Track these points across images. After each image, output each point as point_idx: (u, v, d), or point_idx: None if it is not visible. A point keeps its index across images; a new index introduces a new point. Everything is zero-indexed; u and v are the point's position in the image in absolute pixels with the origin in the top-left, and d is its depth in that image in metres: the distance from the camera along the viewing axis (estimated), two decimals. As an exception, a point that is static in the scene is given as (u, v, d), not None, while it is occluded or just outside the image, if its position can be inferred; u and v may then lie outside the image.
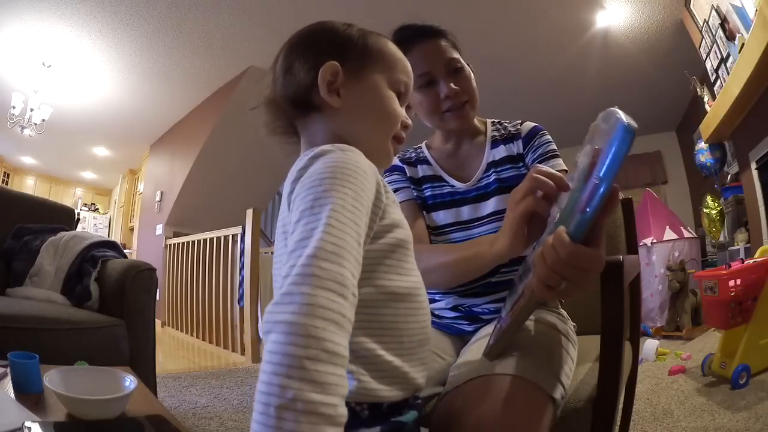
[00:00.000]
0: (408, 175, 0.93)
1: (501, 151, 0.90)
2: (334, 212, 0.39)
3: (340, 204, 0.40)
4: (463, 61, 0.86)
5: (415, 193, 0.92)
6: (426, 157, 0.95)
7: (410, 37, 0.83)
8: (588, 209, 0.42)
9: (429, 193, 0.91)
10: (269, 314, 0.34)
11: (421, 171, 0.93)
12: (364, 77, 0.54)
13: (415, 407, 0.50)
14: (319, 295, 0.34)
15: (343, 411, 0.32)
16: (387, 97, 0.55)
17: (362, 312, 0.43)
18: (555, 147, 0.88)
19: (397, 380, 0.46)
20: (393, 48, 0.58)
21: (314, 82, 0.52)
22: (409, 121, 0.58)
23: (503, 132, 0.92)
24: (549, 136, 0.89)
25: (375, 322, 0.46)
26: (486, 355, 0.64)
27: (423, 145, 0.99)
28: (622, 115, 0.41)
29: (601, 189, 0.41)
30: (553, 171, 0.54)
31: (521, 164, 0.89)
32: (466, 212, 0.88)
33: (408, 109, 0.60)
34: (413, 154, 0.97)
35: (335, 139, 0.51)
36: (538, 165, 0.58)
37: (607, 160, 0.40)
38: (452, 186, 0.90)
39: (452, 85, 0.83)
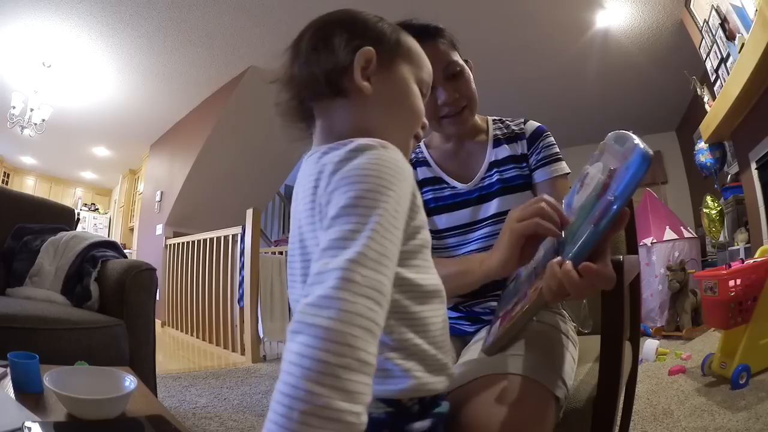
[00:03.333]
0: None
1: (504, 151, 0.88)
2: (380, 217, 0.37)
3: (384, 208, 0.38)
4: (461, 62, 0.84)
5: None
6: (425, 157, 0.93)
7: None
8: (602, 222, 0.45)
9: (430, 197, 0.89)
10: (303, 315, 0.33)
11: (421, 174, 0.91)
12: (394, 69, 0.53)
13: (445, 398, 0.51)
14: (358, 302, 0.33)
15: (365, 419, 0.32)
16: (415, 94, 0.54)
17: (402, 310, 0.44)
18: (558, 150, 0.87)
19: (442, 372, 0.47)
20: (420, 49, 0.57)
21: (350, 65, 0.50)
22: (427, 123, 0.57)
23: (506, 131, 0.90)
24: (553, 138, 0.88)
25: (416, 318, 0.45)
26: (485, 351, 0.64)
27: (421, 143, 0.96)
28: (639, 140, 0.44)
29: (615, 206, 0.44)
30: (557, 206, 0.55)
31: (524, 164, 0.87)
32: (467, 215, 0.86)
33: None
34: (412, 156, 0.93)
35: (358, 128, 0.49)
36: (545, 196, 0.58)
37: (624, 182, 0.43)
38: (453, 187, 0.88)
39: (451, 91, 0.81)
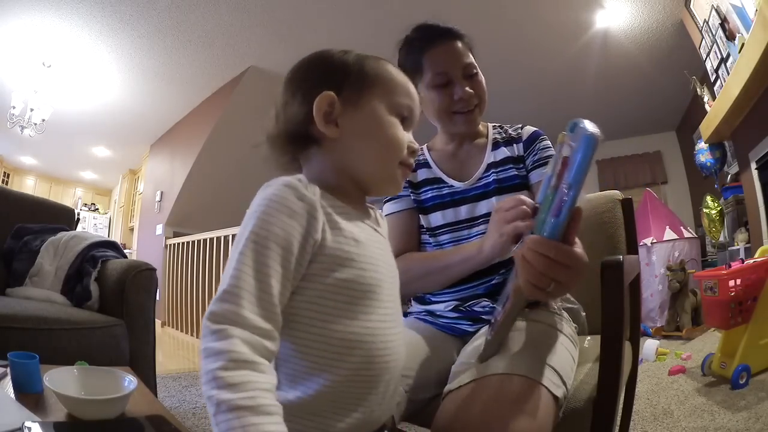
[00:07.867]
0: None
1: (502, 153, 0.91)
2: (249, 250, 0.42)
3: (254, 241, 0.42)
4: (477, 66, 0.88)
5: (413, 197, 0.93)
6: (426, 159, 0.96)
7: (430, 36, 0.86)
8: (561, 213, 0.46)
9: (428, 195, 0.92)
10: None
11: (420, 175, 0.94)
12: (362, 105, 0.52)
13: None
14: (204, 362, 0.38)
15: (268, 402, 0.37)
16: (388, 124, 0.52)
17: (316, 354, 0.45)
18: (554, 152, 0.89)
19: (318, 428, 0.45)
20: (393, 72, 0.55)
21: (310, 115, 0.50)
22: (416, 146, 0.55)
23: (504, 135, 0.94)
24: (549, 141, 0.91)
25: (322, 363, 0.45)
26: (478, 359, 0.64)
27: (424, 147, 0.99)
28: (585, 124, 0.45)
29: (571, 194, 0.45)
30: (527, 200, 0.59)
31: (521, 165, 0.90)
32: (463, 212, 0.89)
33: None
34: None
35: (335, 171, 0.52)
36: (521, 197, 0.61)
37: (574, 168, 0.44)
38: (451, 186, 0.91)
39: (467, 88, 0.85)
